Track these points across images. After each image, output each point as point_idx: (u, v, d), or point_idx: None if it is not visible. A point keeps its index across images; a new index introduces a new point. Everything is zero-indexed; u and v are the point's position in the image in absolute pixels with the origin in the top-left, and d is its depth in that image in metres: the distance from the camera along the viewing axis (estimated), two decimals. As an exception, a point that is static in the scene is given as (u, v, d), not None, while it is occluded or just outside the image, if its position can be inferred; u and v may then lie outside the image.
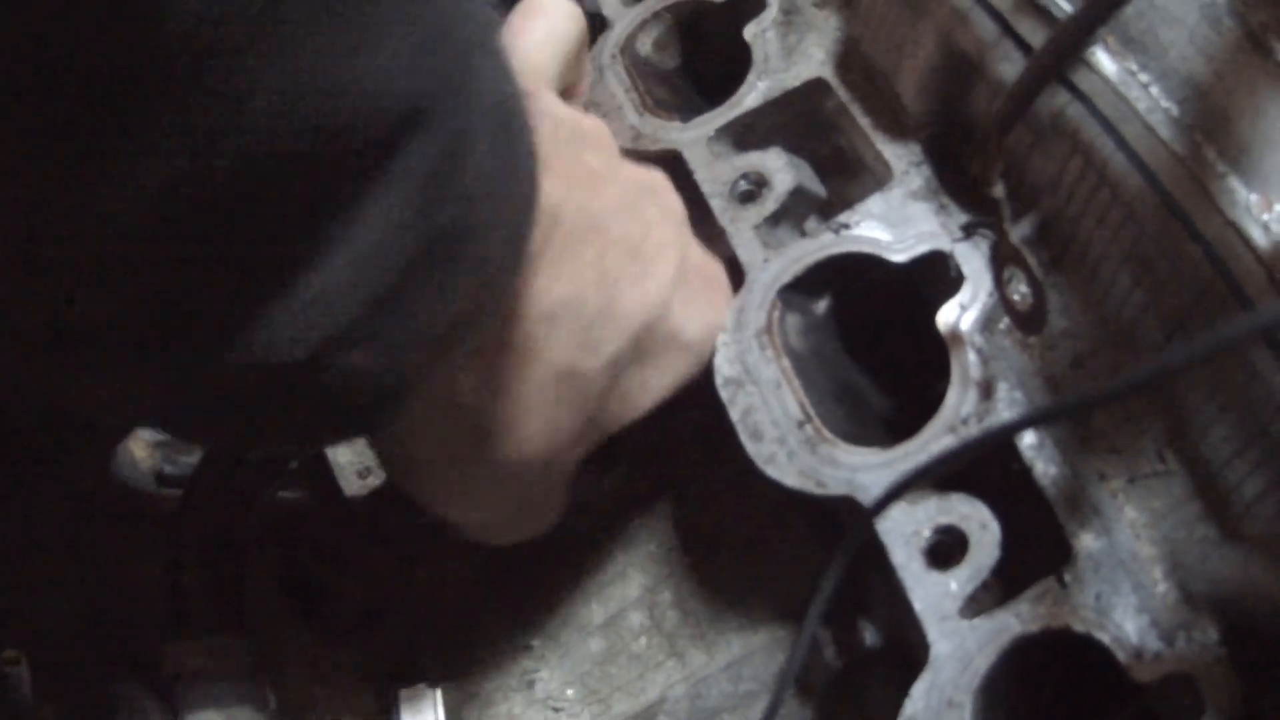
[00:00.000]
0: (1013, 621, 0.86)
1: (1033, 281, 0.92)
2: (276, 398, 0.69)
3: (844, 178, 1.12)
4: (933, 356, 0.95)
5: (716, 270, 1.05)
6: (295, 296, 0.64)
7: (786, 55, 1.12)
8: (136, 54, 0.52)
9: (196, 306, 0.63)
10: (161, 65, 0.53)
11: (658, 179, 1.04)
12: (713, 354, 1.01)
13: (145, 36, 0.51)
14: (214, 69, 0.54)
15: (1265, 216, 0.77)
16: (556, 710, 1.15)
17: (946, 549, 0.89)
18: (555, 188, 0.85)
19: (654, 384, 1.00)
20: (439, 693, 1.13)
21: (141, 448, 1.19)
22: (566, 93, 1.12)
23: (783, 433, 0.96)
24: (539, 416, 0.93)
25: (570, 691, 1.16)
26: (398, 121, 0.63)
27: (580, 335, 0.91)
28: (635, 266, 0.94)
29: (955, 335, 0.94)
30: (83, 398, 0.72)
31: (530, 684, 1.17)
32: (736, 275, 1.04)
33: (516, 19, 1.06)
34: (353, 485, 1.27)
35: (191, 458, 1.19)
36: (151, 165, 0.55)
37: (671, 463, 1.21)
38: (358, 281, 0.65)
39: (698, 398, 1.02)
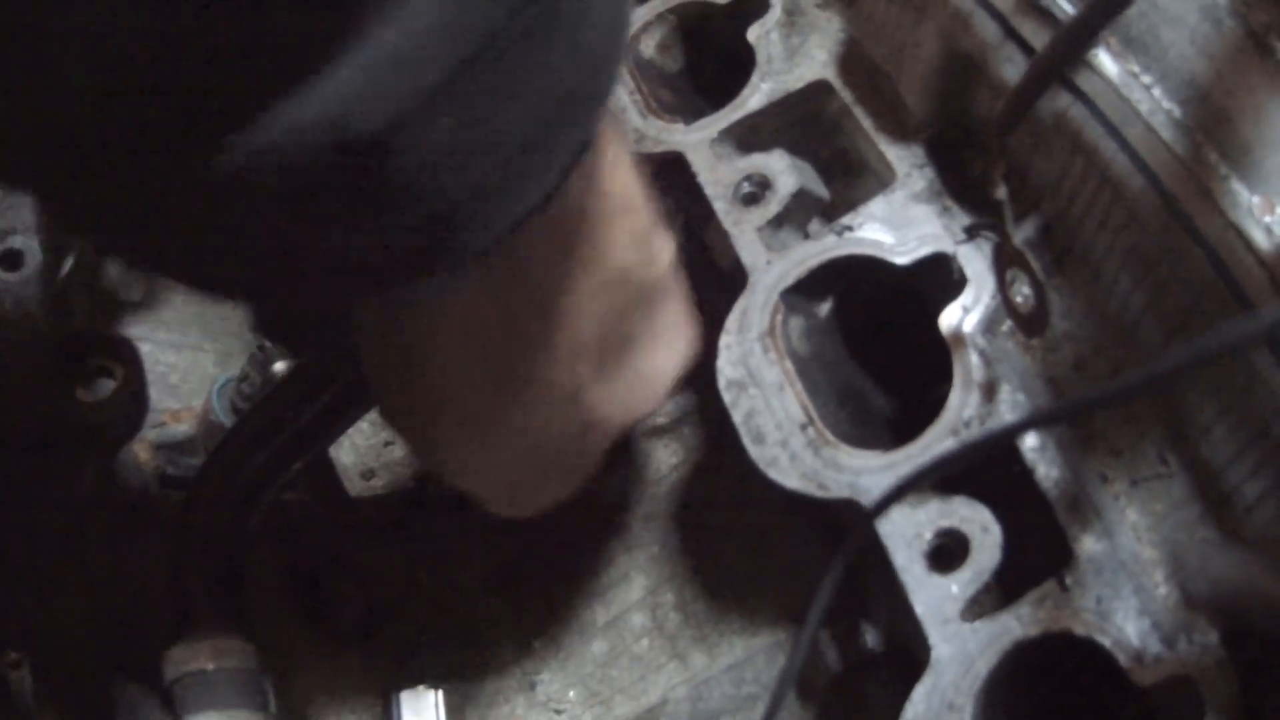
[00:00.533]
0: (1014, 624, 0.86)
1: (1035, 283, 0.91)
2: (352, 188, 0.59)
3: (847, 179, 1.12)
4: (935, 359, 0.95)
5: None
6: (368, 52, 0.55)
7: (789, 57, 1.12)
8: None
9: (261, 62, 0.54)
10: None
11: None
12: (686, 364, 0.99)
13: None
14: None
15: (1267, 219, 0.77)
16: (558, 712, 1.16)
17: (948, 552, 0.89)
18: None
19: (664, 370, 0.95)
20: (440, 694, 1.13)
21: (144, 450, 1.20)
22: None
23: (785, 435, 0.96)
24: (589, 325, 0.86)
25: (572, 693, 1.16)
26: None
27: (638, 238, 0.86)
28: (638, 227, 0.88)
29: (958, 337, 0.94)
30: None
31: (532, 685, 1.17)
32: (739, 281, 1.04)
33: None
34: (356, 487, 1.27)
35: (194, 460, 1.19)
36: None
37: (672, 464, 1.21)
38: (439, 37, 0.57)
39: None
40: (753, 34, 1.13)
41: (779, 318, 1.01)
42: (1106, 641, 0.82)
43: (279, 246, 0.63)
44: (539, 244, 0.78)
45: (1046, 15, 0.89)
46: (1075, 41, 0.85)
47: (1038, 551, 0.88)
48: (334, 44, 0.54)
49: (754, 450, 0.97)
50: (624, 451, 1.22)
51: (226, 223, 0.60)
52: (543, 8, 0.60)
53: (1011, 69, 0.91)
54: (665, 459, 1.22)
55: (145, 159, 0.56)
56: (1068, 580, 0.85)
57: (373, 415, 1.13)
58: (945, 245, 0.98)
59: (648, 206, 0.86)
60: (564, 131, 0.68)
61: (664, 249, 0.89)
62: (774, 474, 0.96)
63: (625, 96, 1.17)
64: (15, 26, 0.51)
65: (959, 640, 0.86)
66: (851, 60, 1.09)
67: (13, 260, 1.14)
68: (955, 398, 0.92)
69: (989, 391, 0.92)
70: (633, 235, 0.85)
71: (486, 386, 0.86)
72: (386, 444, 1.27)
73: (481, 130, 0.61)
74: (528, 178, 0.67)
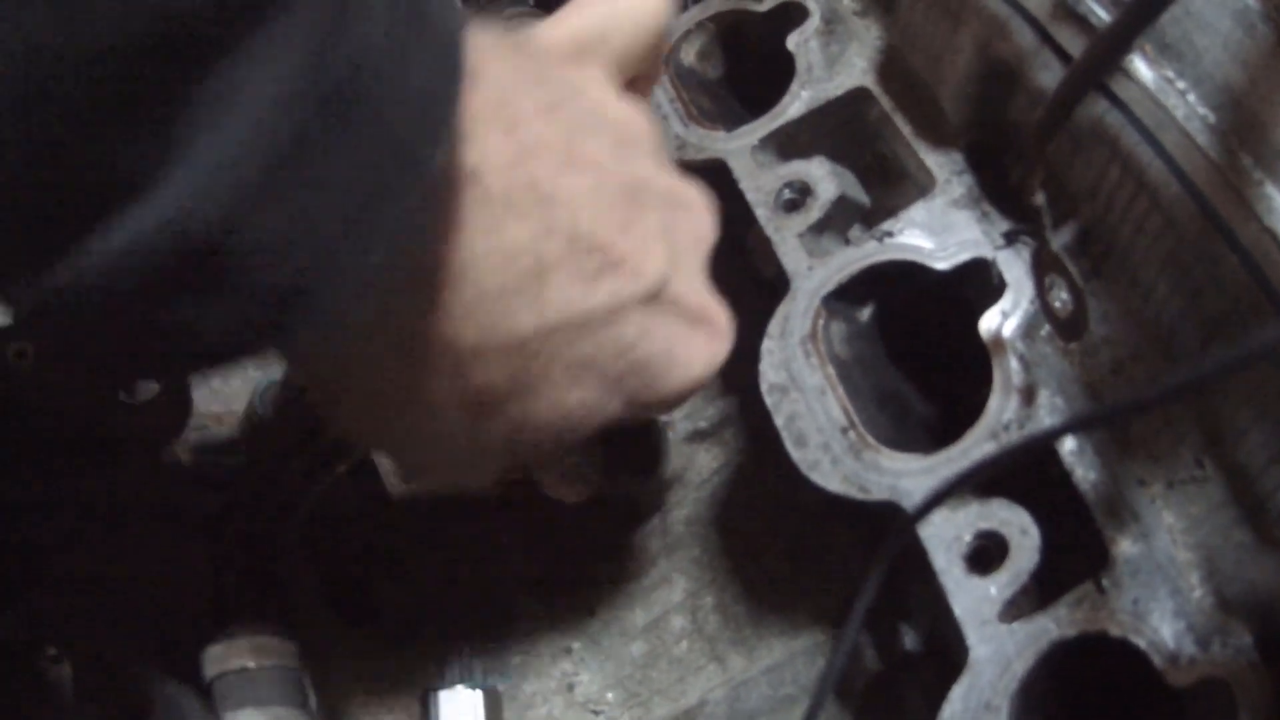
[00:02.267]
0: (1051, 626, 0.86)
1: (1073, 288, 0.92)
2: (188, 273, 0.64)
3: (887, 186, 1.13)
4: (975, 363, 0.95)
5: (718, 317, 0.94)
6: (195, 161, 0.61)
7: (829, 65, 1.13)
8: None
9: (95, 179, 0.60)
10: None
11: (688, 197, 0.95)
12: (681, 397, 0.94)
13: None
14: None
15: (1301, 223, 0.77)
16: (596, 713, 1.16)
17: (987, 554, 0.90)
18: (496, 151, 0.80)
19: (585, 405, 0.89)
20: (480, 694, 1.13)
21: (186, 452, 1.21)
22: (635, 84, 1.02)
23: (827, 439, 0.97)
24: (412, 384, 0.85)
25: (610, 695, 1.17)
26: None
27: (482, 305, 0.82)
28: (588, 262, 0.85)
29: (997, 342, 0.94)
30: None
31: (570, 687, 1.18)
32: (781, 287, 1.05)
33: None
34: (397, 489, 1.27)
35: (236, 462, 1.20)
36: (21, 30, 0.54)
37: (714, 468, 1.22)
38: (259, 138, 0.62)
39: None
40: (792, 42, 1.14)
41: (820, 323, 1.02)
42: (1142, 643, 0.82)
43: (134, 335, 0.69)
44: (399, 281, 0.79)
45: (1082, 22, 0.89)
46: (1112, 48, 0.86)
47: (1075, 554, 0.88)
48: (163, 162, 0.60)
49: (796, 453, 0.97)
50: (664, 456, 1.23)
51: (82, 319, 0.66)
52: (347, 99, 0.65)
53: (1048, 76, 0.92)
54: (707, 463, 1.22)
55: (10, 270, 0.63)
56: (1104, 582, 0.86)
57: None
58: (984, 251, 0.98)
59: (512, 276, 0.83)
60: (386, 204, 0.72)
61: (516, 322, 0.84)
62: (816, 477, 0.96)
63: (666, 104, 1.18)
64: None
65: (997, 641, 0.87)
66: (890, 68, 1.10)
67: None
68: (995, 402, 0.93)
69: (1028, 395, 0.92)
70: (477, 305, 0.82)
71: (378, 379, 0.87)
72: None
73: (303, 218, 0.66)
74: (343, 256, 0.71)
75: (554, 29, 0.95)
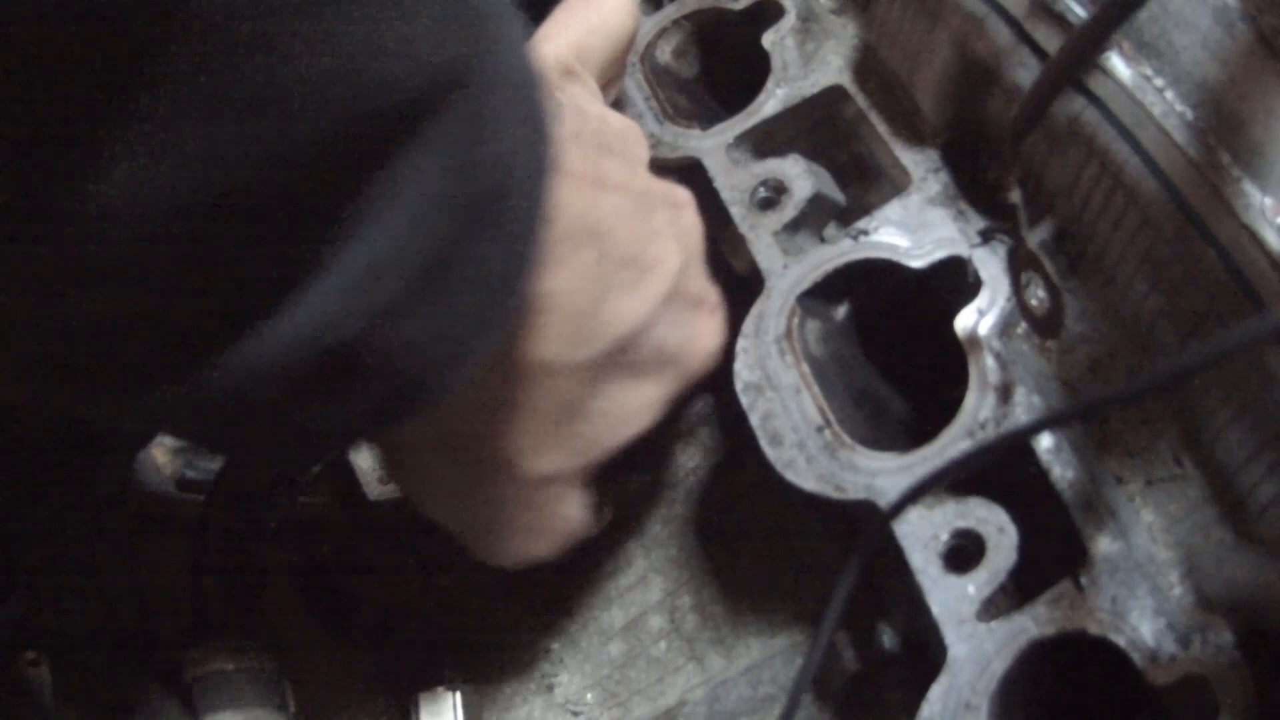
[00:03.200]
0: (1029, 624, 0.86)
1: (1050, 286, 0.92)
2: (327, 381, 0.68)
3: (863, 184, 1.13)
4: (951, 361, 0.95)
5: (712, 295, 1.04)
6: (344, 270, 0.64)
7: (805, 63, 1.12)
8: (166, 29, 0.52)
9: (245, 288, 0.63)
10: (193, 38, 0.53)
11: (680, 196, 1.04)
12: (704, 371, 1.02)
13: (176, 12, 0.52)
14: (246, 42, 0.54)
15: (1279, 220, 0.77)
16: (576, 714, 1.16)
17: (964, 553, 0.90)
18: (559, 189, 0.85)
19: (639, 401, 0.99)
20: (458, 695, 1.13)
21: (163, 454, 1.20)
22: (605, 87, 1.12)
23: (802, 437, 0.97)
24: (516, 415, 0.92)
25: (590, 695, 1.16)
26: (429, 87, 0.64)
27: (562, 329, 0.90)
28: (629, 274, 0.94)
29: (973, 340, 0.94)
30: (114, 409, 0.71)
31: (550, 687, 1.17)
32: (757, 285, 1.05)
33: (576, 1, 1.08)
34: (375, 491, 1.27)
35: (213, 463, 1.19)
36: (185, 140, 0.55)
37: (690, 467, 1.21)
38: (405, 250, 0.66)
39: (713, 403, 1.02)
40: (768, 40, 1.14)
41: (795, 321, 1.02)
42: (1121, 641, 0.83)
43: (270, 426, 0.72)
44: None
45: (1059, 19, 0.89)
46: (1087, 45, 0.85)
47: (1053, 552, 0.88)
48: (310, 270, 0.63)
49: (771, 452, 0.97)
50: (643, 455, 1.22)
51: (225, 415, 0.69)
52: (484, 206, 0.71)
53: (1025, 73, 0.91)
54: (683, 462, 1.22)
55: (157, 377, 0.65)
56: (1083, 580, 0.86)
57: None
58: (960, 249, 0.98)
59: (583, 298, 0.91)
60: (505, 299, 0.79)
61: (592, 341, 0.93)
62: (791, 476, 0.96)
63: (641, 102, 1.18)
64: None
65: (975, 640, 0.87)
66: (866, 66, 1.10)
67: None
68: (971, 400, 0.93)
69: (1005, 394, 0.92)
70: (552, 329, 0.90)
71: (438, 463, 0.96)
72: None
73: (441, 319, 0.72)
74: (476, 341, 0.77)
75: (540, 49, 0.98)
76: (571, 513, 1.01)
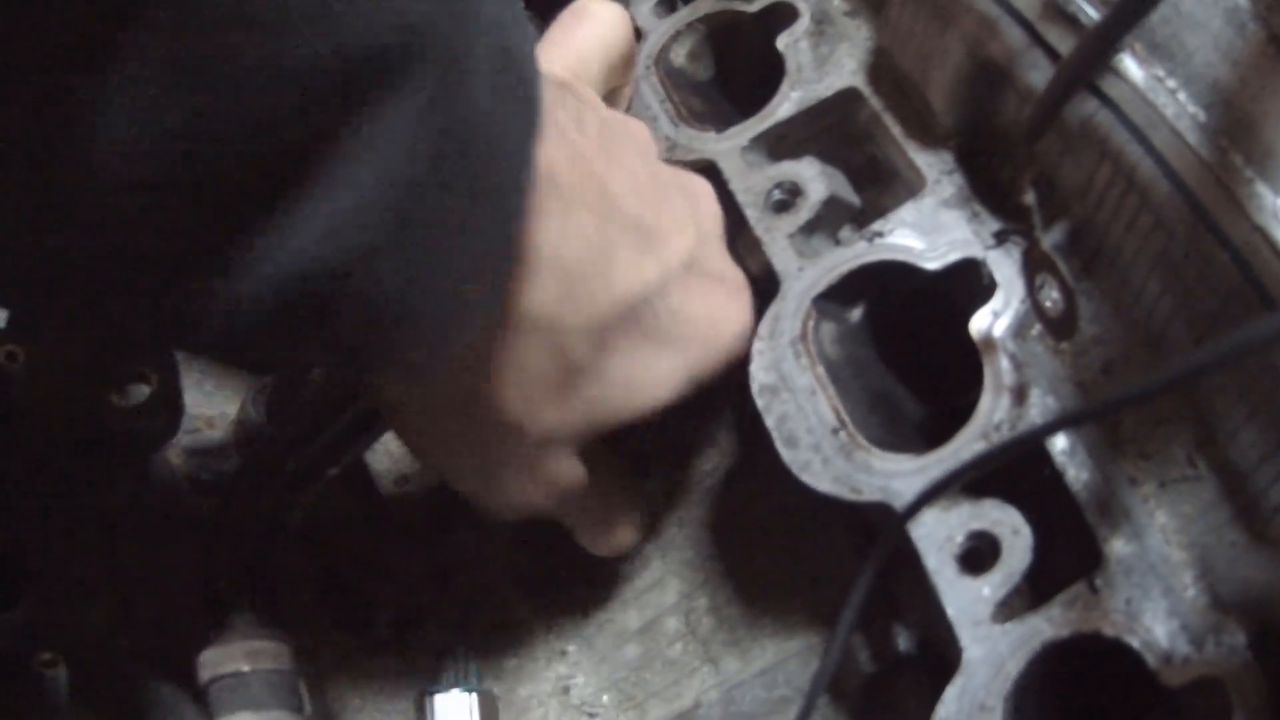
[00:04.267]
0: (1044, 626, 0.86)
1: (1064, 288, 0.92)
2: (308, 318, 0.71)
3: (877, 186, 1.12)
4: (966, 363, 0.95)
5: (736, 275, 1.06)
6: (323, 212, 0.66)
7: (819, 65, 1.12)
8: None
9: (228, 225, 0.66)
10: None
11: (699, 186, 1.07)
12: (741, 360, 1.02)
13: None
14: None
15: (1292, 221, 0.77)
16: (591, 716, 1.16)
17: (979, 554, 0.90)
18: (558, 152, 0.88)
19: (655, 374, 1.00)
20: (474, 698, 1.13)
21: (178, 455, 1.21)
22: (610, 97, 1.15)
23: (817, 440, 0.97)
24: (517, 373, 0.94)
25: (605, 697, 1.17)
26: (406, 33, 0.65)
27: (560, 288, 0.91)
28: (637, 239, 0.96)
29: (988, 342, 0.94)
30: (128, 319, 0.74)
31: (565, 690, 1.18)
32: (772, 287, 1.05)
33: (567, 17, 1.11)
34: (390, 492, 1.28)
35: (228, 466, 1.20)
36: (167, 91, 0.58)
37: (706, 470, 1.21)
38: (382, 195, 0.68)
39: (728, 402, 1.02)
40: (782, 42, 1.14)
41: (811, 323, 1.02)
42: (1135, 642, 0.82)
43: (266, 348, 0.77)
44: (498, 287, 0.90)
45: (1072, 21, 0.89)
46: (1101, 47, 0.85)
47: (1068, 554, 0.88)
48: (289, 212, 0.66)
49: (787, 454, 0.97)
50: (659, 457, 1.23)
51: (222, 335, 0.72)
52: (458, 152, 0.73)
53: (1038, 75, 0.91)
54: (699, 465, 1.22)
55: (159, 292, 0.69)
56: (1097, 582, 0.86)
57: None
58: (975, 250, 0.98)
59: (586, 258, 0.93)
60: (490, 251, 0.82)
61: (596, 301, 0.94)
62: (807, 478, 0.96)
63: (656, 105, 1.18)
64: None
65: (990, 642, 0.87)
66: (880, 68, 1.10)
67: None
68: (986, 401, 0.93)
69: (1019, 395, 0.92)
70: (552, 286, 0.91)
71: (446, 425, 0.99)
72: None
73: (416, 264, 0.75)
74: (460, 291, 0.81)
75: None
76: (574, 470, 1.03)
